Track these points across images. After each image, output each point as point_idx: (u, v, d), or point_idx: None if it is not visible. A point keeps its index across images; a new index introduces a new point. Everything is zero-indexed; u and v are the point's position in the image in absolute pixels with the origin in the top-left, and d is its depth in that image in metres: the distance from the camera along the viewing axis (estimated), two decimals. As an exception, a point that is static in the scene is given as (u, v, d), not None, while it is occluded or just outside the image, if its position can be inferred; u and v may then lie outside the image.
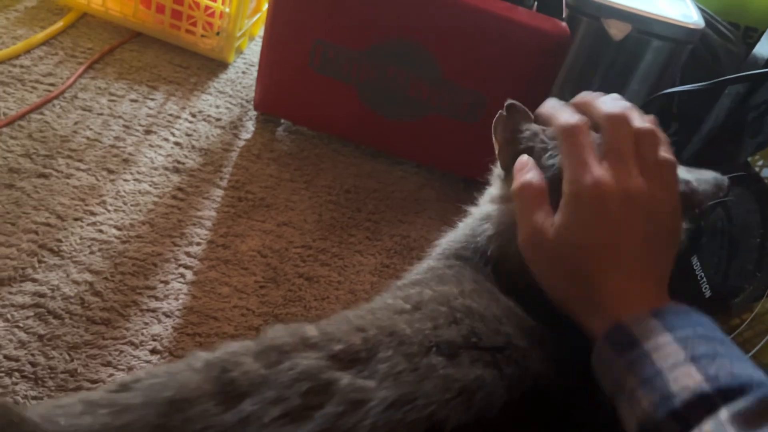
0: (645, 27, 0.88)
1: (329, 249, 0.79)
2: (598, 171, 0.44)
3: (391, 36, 0.84)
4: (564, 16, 0.85)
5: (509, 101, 0.53)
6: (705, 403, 0.34)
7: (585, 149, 0.45)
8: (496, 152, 0.55)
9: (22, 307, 0.62)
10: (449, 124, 0.89)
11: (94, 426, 0.32)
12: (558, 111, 0.49)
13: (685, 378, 0.36)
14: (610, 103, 0.48)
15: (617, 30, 0.86)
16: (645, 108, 0.86)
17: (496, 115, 0.54)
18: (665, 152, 0.47)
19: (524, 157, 0.49)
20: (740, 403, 0.34)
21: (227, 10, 1.02)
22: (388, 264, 0.80)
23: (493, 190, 0.55)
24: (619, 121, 0.46)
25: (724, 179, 0.51)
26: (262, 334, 0.38)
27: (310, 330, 0.38)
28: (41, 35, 0.97)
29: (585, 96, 0.50)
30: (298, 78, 0.90)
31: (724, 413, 0.34)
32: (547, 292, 0.45)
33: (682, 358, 0.36)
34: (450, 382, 0.36)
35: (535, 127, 0.53)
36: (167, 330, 0.64)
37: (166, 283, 0.69)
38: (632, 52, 0.90)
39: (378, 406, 0.34)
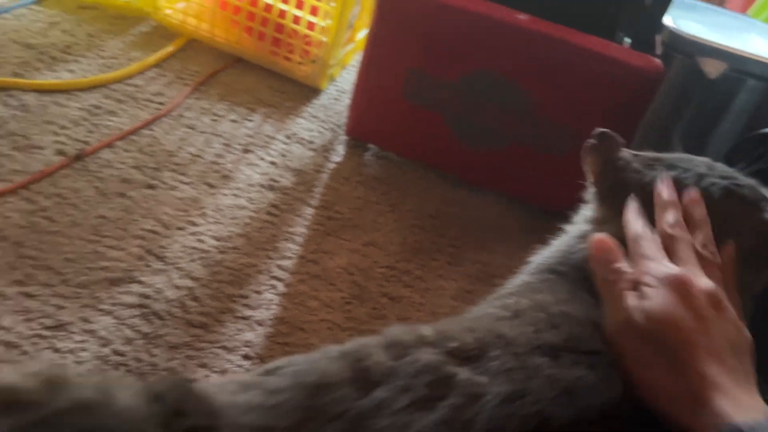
0: (740, 66, 0.87)
1: (412, 271, 0.81)
2: (671, 266, 0.43)
3: (482, 68, 0.87)
4: (658, 52, 0.86)
5: (600, 129, 0.54)
6: None
7: (655, 251, 0.44)
8: (591, 180, 0.56)
9: (130, 306, 0.67)
10: (535, 155, 0.90)
11: (252, 403, 0.34)
12: (631, 220, 0.48)
13: None
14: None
15: (712, 68, 0.86)
16: (737, 148, 0.85)
17: (586, 143, 0.55)
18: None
19: (604, 240, 0.47)
20: None
21: (324, 39, 1.07)
22: (469, 290, 0.81)
23: (589, 211, 0.56)
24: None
25: None
26: (383, 331, 0.41)
27: (426, 329, 0.40)
28: (153, 58, 1.04)
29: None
30: (389, 106, 0.93)
31: None
32: (644, 392, 0.41)
33: None
34: (555, 381, 0.37)
35: (627, 154, 0.54)
36: (259, 337, 0.68)
37: (259, 293, 0.73)
38: (726, 91, 0.89)
39: (493, 400, 0.35)
